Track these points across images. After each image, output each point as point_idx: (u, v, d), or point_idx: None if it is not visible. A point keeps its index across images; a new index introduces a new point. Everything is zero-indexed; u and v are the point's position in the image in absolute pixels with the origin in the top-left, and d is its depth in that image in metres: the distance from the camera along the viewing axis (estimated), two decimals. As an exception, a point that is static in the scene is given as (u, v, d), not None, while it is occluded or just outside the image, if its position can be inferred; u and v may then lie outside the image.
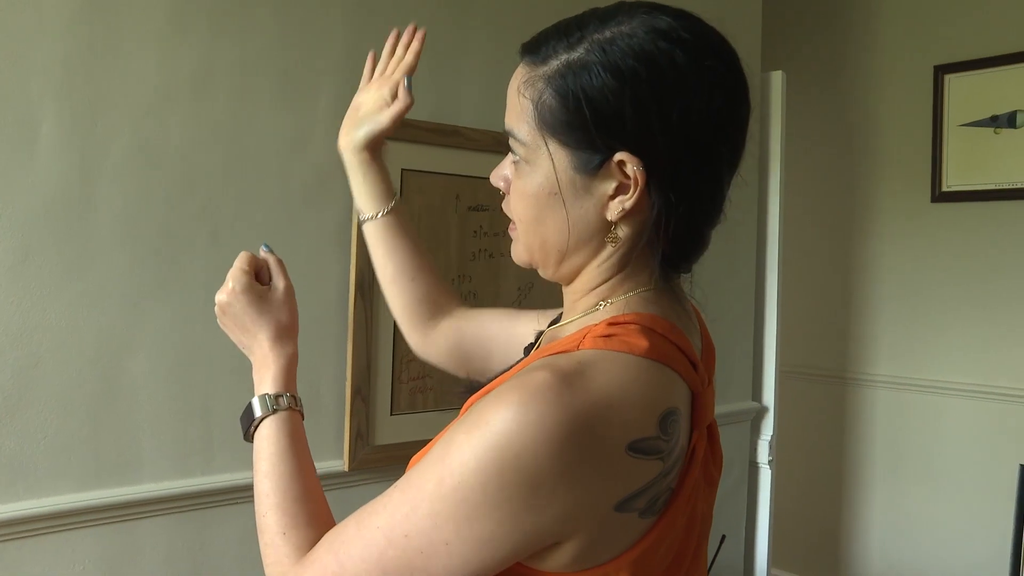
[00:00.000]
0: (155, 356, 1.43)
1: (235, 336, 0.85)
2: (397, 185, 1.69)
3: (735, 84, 0.69)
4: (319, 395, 1.62)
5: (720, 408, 2.43)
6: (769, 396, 2.59)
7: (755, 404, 2.58)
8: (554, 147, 0.68)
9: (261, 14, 1.53)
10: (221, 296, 0.84)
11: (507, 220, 0.76)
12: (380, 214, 1.02)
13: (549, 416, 0.57)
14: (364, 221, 1.03)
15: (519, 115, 0.70)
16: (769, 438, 2.58)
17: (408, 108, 0.96)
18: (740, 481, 2.55)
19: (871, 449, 3.11)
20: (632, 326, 0.66)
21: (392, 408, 1.71)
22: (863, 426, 3.14)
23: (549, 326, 0.83)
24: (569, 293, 0.76)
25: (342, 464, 1.65)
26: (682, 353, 0.68)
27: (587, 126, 0.65)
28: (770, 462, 2.58)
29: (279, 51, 1.55)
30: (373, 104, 0.99)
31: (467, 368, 1.04)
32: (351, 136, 1.01)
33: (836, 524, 3.19)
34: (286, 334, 0.84)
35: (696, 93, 0.65)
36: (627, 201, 0.67)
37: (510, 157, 0.73)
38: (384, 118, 0.97)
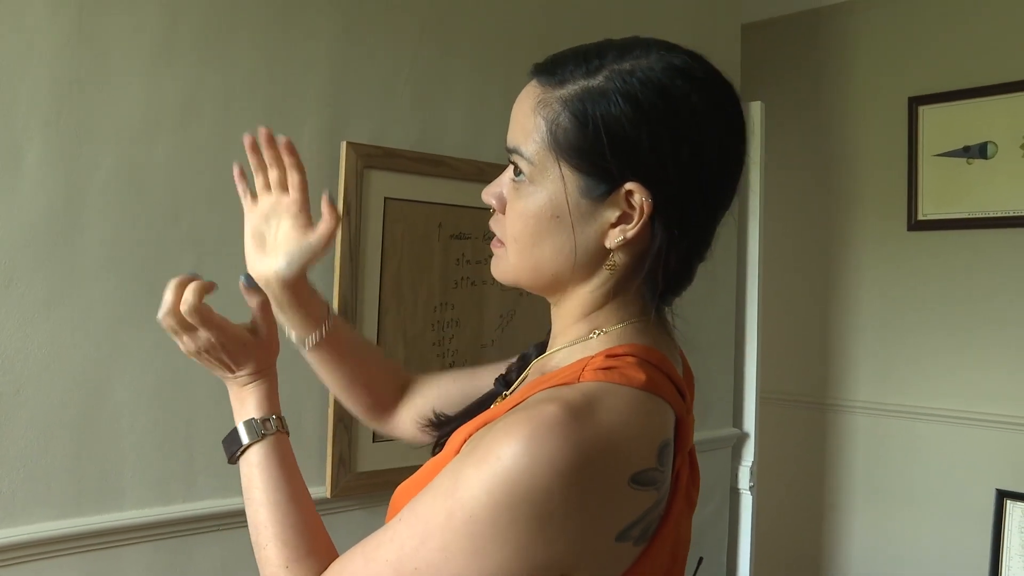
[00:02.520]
0: (138, 383, 1.43)
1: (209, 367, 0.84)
2: (379, 216, 1.71)
3: (741, 126, 0.72)
4: (301, 420, 1.63)
5: (701, 435, 2.45)
6: (750, 422, 2.62)
7: (735, 430, 2.60)
8: (563, 170, 0.68)
9: (246, 45, 1.55)
10: (191, 347, 0.80)
11: (489, 249, 0.77)
12: (317, 338, 0.95)
13: (560, 450, 0.58)
14: (300, 347, 0.97)
15: (528, 133, 0.70)
16: (750, 464, 2.60)
17: (337, 226, 0.87)
18: (721, 507, 2.57)
19: (851, 475, 3.14)
20: (629, 358, 0.68)
21: (375, 435, 1.72)
22: (843, 452, 3.17)
23: (536, 356, 0.83)
24: (560, 317, 0.76)
25: (324, 491, 1.65)
26: (671, 382, 0.70)
27: (603, 152, 0.66)
28: (751, 488, 2.60)
29: (264, 81, 1.58)
30: (289, 230, 0.89)
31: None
32: (276, 269, 0.89)
33: (816, 550, 3.21)
34: (267, 361, 0.85)
35: (708, 131, 0.68)
36: (629, 231, 0.68)
37: (508, 175, 0.73)
38: (315, 243, 0.87)
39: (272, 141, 0.88)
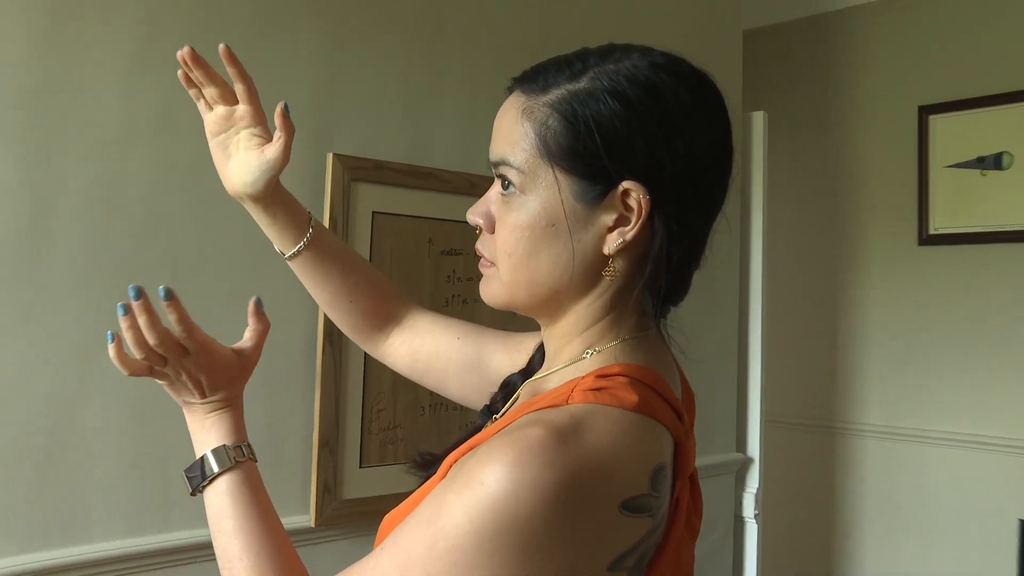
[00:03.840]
0: (109, 408, 1.42)
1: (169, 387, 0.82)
2: (367, 231, 1.70)
3: (727, 120, 0.74)
4: (284, 446, 1.62)
5: (703, 459, 2.44)
6: (754, 447, 2.60)
7: (739, 455, 2.59)
8: (556, 174, 0.69)
9: (228, 52, 1.55)
10: (174, 373, 0.80)
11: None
12: (300, 248, 0.97)
13: (545, 475, 0.57)
14: (286, 258, 0.99)
15: (515, 142, 0.70)
16: (755, 491, 2.59)
17: (292, 136, 0.88)
18: (725, 536, 2.55)
19: (862, 502, 3.13)
20: (621, 379, 0.67)
21: (361, 460, 1.70)
22: (853, 478, 3.15)
23: (526, 378, 0.83)
24: (553, 337, 0.76)
25: (308, 519, 1.63)
26: (667, 404, 0.69)
27: (596, 152, 0.67)
28: (756, 516, 2.58)
29: (247, 89, 1.57)
30: (246, 144, 0.90)
31: (423, 382, 1.05)
32: (244, 185, 0.90)
33: (826, 579, 3.20)
34: (239, 388, 0.84)
35: (698, 125, 0.70)
36: (628, 232, 0.69)
37: (496, 190, 0.73)
38: (273, 156, 0.88)
39: (198, 59, 0.87)
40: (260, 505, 0.78)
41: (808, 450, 3.24)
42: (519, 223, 0.70)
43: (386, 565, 0.62)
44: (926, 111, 3.02)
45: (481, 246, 0.75)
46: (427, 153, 1.82)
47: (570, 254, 0.70)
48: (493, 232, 0.73)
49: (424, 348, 1.03)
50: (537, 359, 0.86)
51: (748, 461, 2.61)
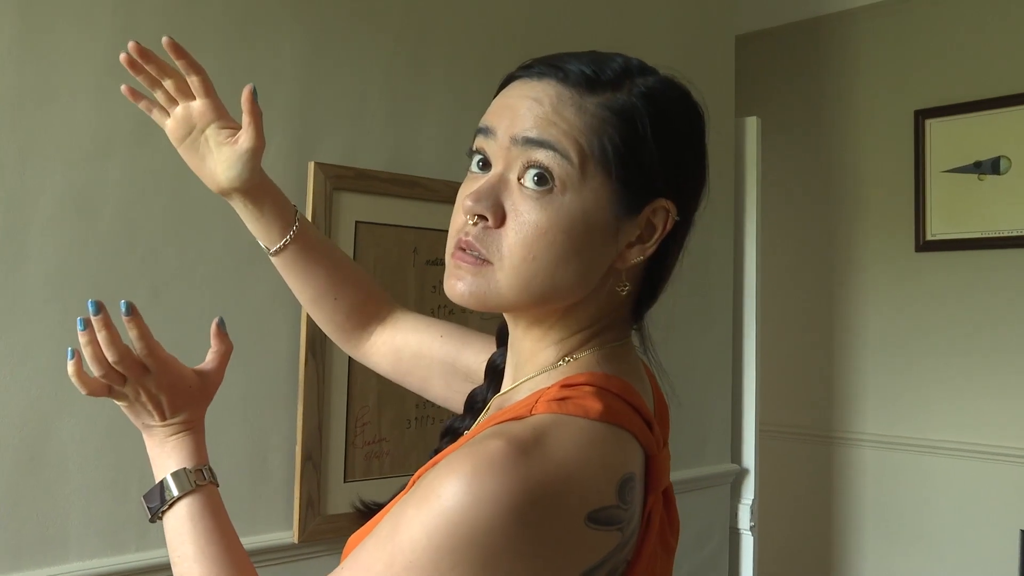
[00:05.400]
0: (86, 422, 1.41)
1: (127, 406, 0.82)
2: (349, 241, 1.70)
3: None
4: (266, 461, 1.61)
5: (696, 471, 2.44)
6: (749, 458, 2.60)
7: (734, 466, 2.59)
8: (601, 179, 0.67)
9: (206, 59, 1.54)
10: (134, 394, 0.79)
11: None
12: (286, 241, 0.95)
13: (504, 488, 0.57)
14: (270, 254, 0.97)
15: (565, 130, 0.66)
16: (750, 502, 2.59)
17: (261, 119, 0.86)
18: (720, 549, 2.55)
19: (860, 513, 3.13)
20: (586, 388, 0.67)
21: (346, 475, 1.70)
22: (851, 488, 3.15)
23: (485, 396, 0.82)
24: (527, 341, 0.74)
25: (291, 536, 1.63)
26: (637, 413, 0.68)
27: (652, 167, 0.68)
28: (752, 528, 2.58)
29: (224, 97, 1.57)
30: (216, 140, 0.89)
31: (406, 383, 1.04)
32: (230, 181, 0.89)
33: (824, 593, 3.19)
34: (200, 411, 0.84)
35: (702, 134, 0.74)
36: (649, 249, 0.70)
37: (511, 179, 0.67)
38: (248, 145, 0.86)
39: (145, 53, 0.86)
40: (222, 529, 0.78)
41: (805, 460, 3.24)
42: (552, 225, 0.66)
43: None
44: (923, 115, 3.03)
45: (478, 240, 0.68)
46: (411, 161, 1.82)
47: (594, 266, 0.69)
48: (501, 226, 0.67)
49: (407, 347, 1.01)
50: (489, 372, 0.84)
51: (743, 472, 2.61)
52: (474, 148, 0.71)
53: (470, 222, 0.68)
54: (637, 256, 0.70)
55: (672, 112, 0.70)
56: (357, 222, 1.71)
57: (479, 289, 0.68)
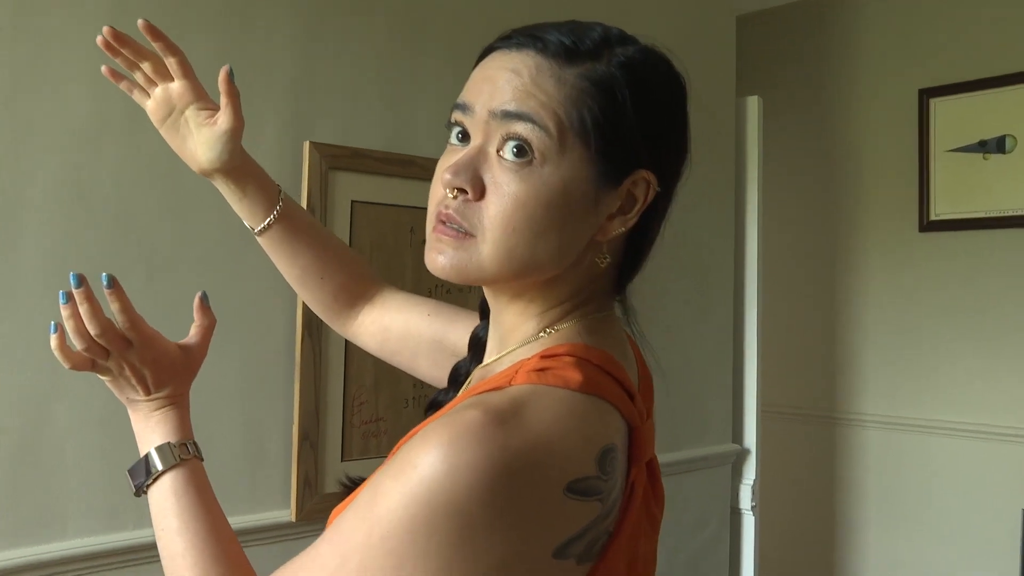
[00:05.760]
0: (83, 402, 1.43)
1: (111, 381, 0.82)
2: (345, 221, 1.71)
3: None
4: (263, 441, 1.63)
5: (697, 451, 2.45)
6: (751, 438, 2.61)
7: (735, 446, 2.60)
8: (581, 151, 0.67)
9: (200, 39, 1.55)
10: (116, 368, 0.80)
11: None
12: (270, 221, 0.95)
13: (481, 458, 0.56)
14: (255, 234, 0.98)
15: (543, 101, 0.66)
16: (752, 482, 2.59)
17: (239, 99, 0.87)
18: (721, 530, 2.56)
19: (863, 493, 3.13)
20: (566, 358, 0.67)
21: (343, 454, 1.72)
22: (853, 469, 3.16)
23: (468, 367, 0.83)
24: (509, 315, 0.74)
25: (289, 514, 1.65)
26: (619, 384, 0.69)
27: (633, 138, 0.68)
28: (753, 508, 2.59)
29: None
30: (196, 121, 0.89)
31: (395, 361, 1.05)
32: (210, 162, 0.90)
33: (825, 571, 3.20)
34: (184, 385, 0.84)
35: (683, 104, 0.74)
36: (630, 220, 0.70)
37: (491, 152, 0.67)
38: (226, 126, 0.87)
39: (120, 37, 0.87)
40: (206, 504, 0.78)
41: (807, 441, 3.25)
42: (531, 197, 0.66)
43: (326, 555, 0.61)
44: (927, 94, 3.01)
45: (458, 213, 0.68)
46: (407, 140, 1.82)
47: (575, 238, 0.69)
48: (481, 199, 0.67)
49: (395, 325, 1.02)
50: (472, 344, 0.85)
51: (744, 452, 2.61)
52: (452, 120, 0.71)
53: (450, 195, 0.68)
54: (618, 228, 0.70)
55: (652, 82, 0.70)
56: (353, 202, 1.72)
57: (460, 262, 0.68)
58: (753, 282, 2.62)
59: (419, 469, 0.57)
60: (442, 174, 0.69)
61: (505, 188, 0.66)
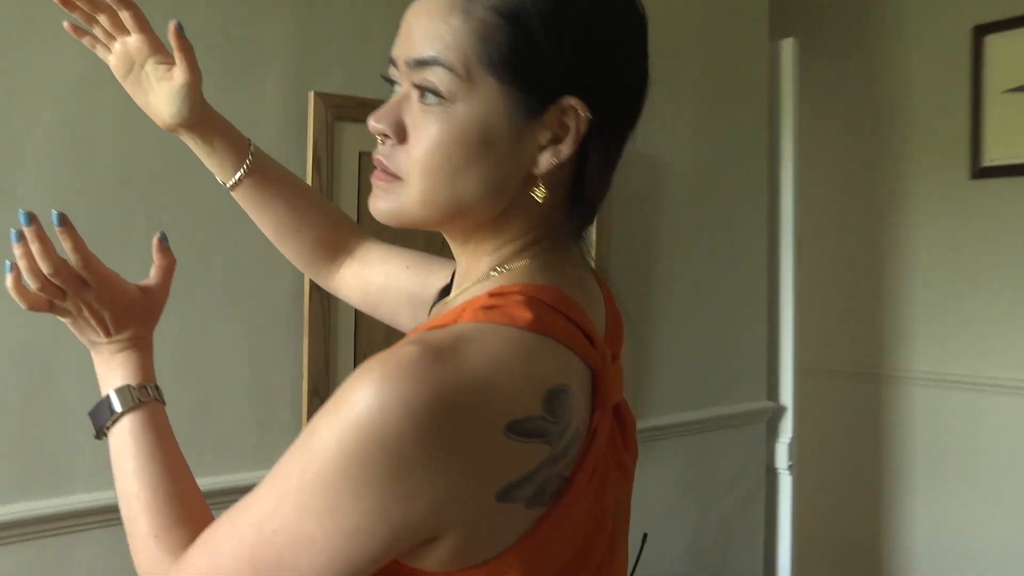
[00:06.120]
0: (87, 356, 1.42)
1: (73, 321, 0.81)
2: (353, 173, 1.68)
3: (646, 36, 0.72)
4: (272, 397, 1.62)
5: (729, 408, 2.39)
6: (787, 395, 2.55)
7: (771, 404, 2.54)
8: (497, 84, 0.65)
9: (198, -13, 1.53)
10: (74, 308, 0.79)
11: None
12: (241, 175, 0.97)
13: (415, 394, 0.55)
14: (228, 188, 0.99)
15: (447, 43, 0.65)
16: (788, 441, 2.53)
17: (193, 53, 0.87)
18: (755, 490, 2.51)
19: (908, 452, 3.05)
20: (516, 296, 0.66)
21: (357, 411, 1.70)
22: (899, 427, 3.07)
23: (437, 301, 0.81)
24: (464, 256, 0.74)
25: (301, 472, 1.64)
26: (575, 326, 0.67)
27: (545, 63, 0.65)
28: (790, 467, 2.53)
29: (221, 25, 1.55)
30: (156, 76, 0.90)
31: (377, 315, 1.05)
32: (172, 116, 0.91)
33: (870, 538, 3.13)
34: (147, 328, 0.83)
35: (632, 33, 0.69)
36: (563, 152, 0.67)
37: (413, 96, 0.68)
38: (182, 80, 0.88)
39: None
40: (163, 446, 0.77)
41: (850, 399, 3.16)
42: (448, 136, 0.66)
43: (264, 495, 0.61)
44: (981, 31, 2.87)
45: (385, 158, 0.69)
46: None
47: (501, 173, 0.67)
48: (404, 142, 0.68)
49: (375, 279, 1.03)
50: (443, 290, 0.85)
51: (780, 410, 2.55)
52: (386, 75, 0.73)
53: (380, 142, 0.70)
54: (551, 160, 0.67)
55: (572, 5, 0.66)
56: (360, 152, 1.69)
57: (393, 206, 0.70)
58: (789, 234, 2.54)
59: (352, 405, 0.56)
60: (367, 121, 0.71)
61: (422, 130, 0.67)
